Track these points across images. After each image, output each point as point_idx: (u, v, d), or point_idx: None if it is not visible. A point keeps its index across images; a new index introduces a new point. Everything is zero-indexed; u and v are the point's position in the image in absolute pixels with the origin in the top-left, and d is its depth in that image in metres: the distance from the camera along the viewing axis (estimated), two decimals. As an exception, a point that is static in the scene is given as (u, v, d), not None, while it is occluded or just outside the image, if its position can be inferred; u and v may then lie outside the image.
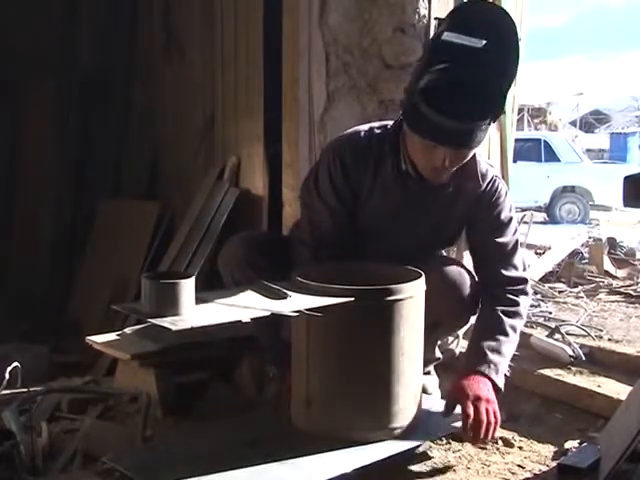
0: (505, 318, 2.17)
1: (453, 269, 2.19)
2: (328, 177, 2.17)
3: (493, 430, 2.04)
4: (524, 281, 2.24)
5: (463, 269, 2.23)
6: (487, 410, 2.03)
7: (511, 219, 2.23)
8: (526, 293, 2.24)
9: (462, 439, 2.15)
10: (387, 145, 2.15)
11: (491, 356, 2.11)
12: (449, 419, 2.09)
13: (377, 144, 2.16)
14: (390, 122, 2.22)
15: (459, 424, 2.04)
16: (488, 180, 2.19)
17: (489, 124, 1.99)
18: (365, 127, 2.23)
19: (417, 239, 2.23)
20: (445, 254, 2.43)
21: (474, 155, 2.11)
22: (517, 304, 2.20)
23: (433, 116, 1.93)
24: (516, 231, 2.26)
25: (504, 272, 2.20)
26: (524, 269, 2.27)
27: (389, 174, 2.15)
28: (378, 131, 2.20)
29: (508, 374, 2.21)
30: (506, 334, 2.16)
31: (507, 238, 2.21)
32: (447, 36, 1.96)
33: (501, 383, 2.12)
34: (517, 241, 2.25)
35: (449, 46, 1.96)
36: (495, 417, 2.04)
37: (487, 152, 3.68)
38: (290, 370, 2.07)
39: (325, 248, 2.17)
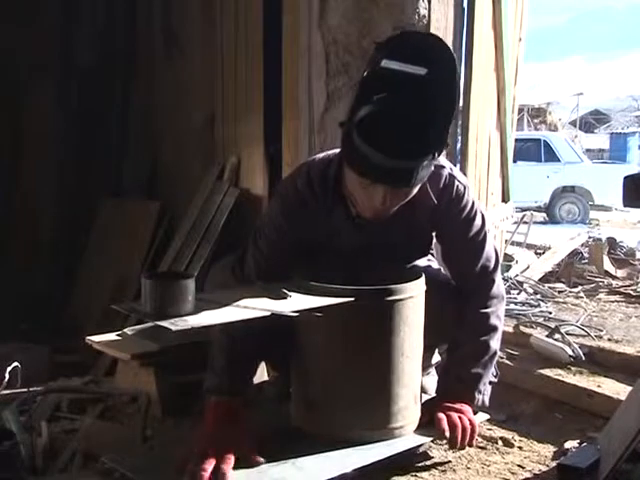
0: (478, 339, 2.14)
1: (434, 304, 2.09)
2: (276, 227, 2.09)
3: (470, 435, 2.05)
4: (492, 284, 2.18)
5: (444, 293, 2.16)
6: (461, 418, 2.05)
7: (474, 215, 2.13)
8: (496, 296, 2.19)
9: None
10: (332, 189, 2.03)
11: (466, 383, 2.13)
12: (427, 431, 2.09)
13: (321, 187, 2.04)
14: (334, 154, 2.06)
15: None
16: (442, 183, 2.07)
17: (433, 159, 1.85)
18: (308, 170, 2.08)
19: (389, 257, 2.16)
20: (426, 264, 2.34)
21: None
22: (487, 317, 2.15)
23: (369, 152, 1.76)
24: (483, 226, 2.15)
25: (473, 276, 2.16)
26: (495, 267, 2.19)
27: (340, 219, 2.07)
28: (320, 171, 2.05)
29: (494, 380, 2.21)
30: (479, 355, 2.14)
31: (473, 236, 2.14)
32: (386, 63, 1.78)
33: (480, 401, 2.14)
34: (485, 237, 2.16)
35: (389, 73, 1.78)
36: (471, 424, 2.06)
37: (487, 152, 3.69)
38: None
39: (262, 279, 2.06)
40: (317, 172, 2.07)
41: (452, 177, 2.10)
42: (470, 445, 2.08)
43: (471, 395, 2.13)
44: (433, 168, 1.94)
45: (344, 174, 1.95)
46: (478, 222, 2.15)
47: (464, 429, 2.04)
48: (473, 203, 2.14)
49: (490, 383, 2.18)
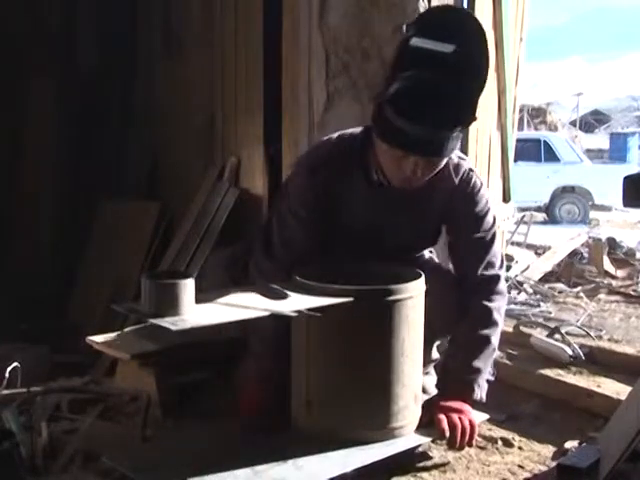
0: (479, 332, 2.16)
1: (437, 287, 2.13)
2: (299, 192, 2.14)
3: (470, 435, 2.06)
4: (497, 280, 2.21)
5: (447, 280, 2.20)
6: (461, 418, 2.06)
7: (487, 212, 2.19)
8: (500, 292, 2.22)
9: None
10: (356, 156, 2.10)
11: (465, 376, 2.14)
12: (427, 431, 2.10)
13: (346, 156, 2.12)
14: (359, 129, 2.17)
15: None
16: (461, 174, 2.15)
17: (461, 131, 1.93)
18: (334, 137, 2.19)
19: (397, 243, 2.21)
20: (429, 256, 2.40)
21: None
22: (490, 312, 2.17)
23: (402, 124, 1.87)
24: (493, 225, 2.21)
25: (479, 271, 2.18)
26: (500, 265, 2.23)
27: (361, 185, 2.12)
28: (347, 142, 2.15)
29: (491, 379, 2.21)
30: (480, 349, 2.15)
31: (482, 233, 2.18)
32: (415, 41, 1.88)
33: (479, 395, 2.15)
34: (494, 235, 2.21)
35: (418, 52, 1.87)
36: (471, 424, 2.07)
37: (488, 153, 3.69)
38: (246, 383, 2.06)
39: (296, 263, 2.12)
40: (346, 138, 2.16)
41: (472, 171, 2.18)
42: (470, 445, 2.09)
43: (470, 389, 2.14)
44: (456, 159, 2.08)
45: (375, 147, 2.03)
46: (490, 219, 2.20)
47: (464, 429, 2.05)
48: (487, 200, 2.20)
49: (487, 381, 2.19)
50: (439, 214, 2.21)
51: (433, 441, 2.14)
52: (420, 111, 1.85)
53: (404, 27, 1.97)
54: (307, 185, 2.13)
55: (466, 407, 2.11)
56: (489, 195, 2.24)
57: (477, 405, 2.16)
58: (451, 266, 2.29)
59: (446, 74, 1.84)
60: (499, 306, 2.21)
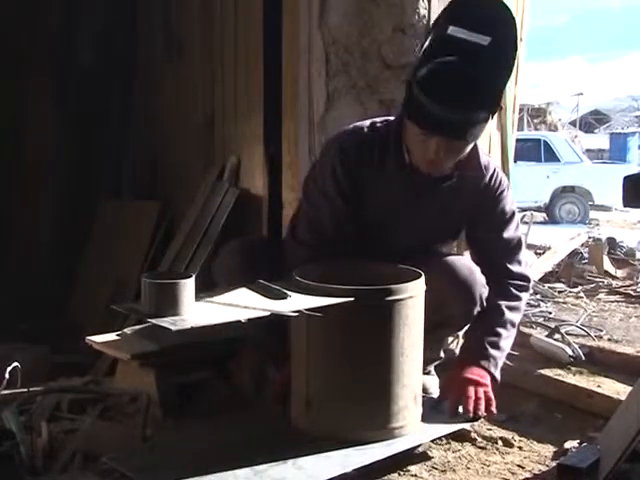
0: (507, 312, 2.20)
1: (464, 269, 2.17)
2: (330, 172, 2.16)
3: (486, 405, 2.10)
4: (527, 279, 2.27)
5: (472, 266, 2.21)
6: (476, 390, 2.10)
7: (514, 213, 2.24)
8: (527, 290, 2.28)
9: (462, 439, 2.18)
10: (390, 138, 2.14)
11: (491, 350, 2.17)
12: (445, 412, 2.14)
13: (380, 138, 2.15)
14: (392, 117, 2.22)
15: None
16: (491, 172, 2.18)
17: (486, 119, 1.97)
18: (367, 122, 2.22)
19: (419, 232, 2.22)
20: (447, 250, 2.42)
21: (475, 146, 2.10)
22: (519, 299, 2.23)
23: (427, 103, 1.92)
24: (518, 226, 2.26)
25: (510, 266, 2.22)
26: (526, 265, 2.30)
27: (392, 167, 2.14)
28: (380, 125, 2.19)
29: (504, 367, 2.26)
30: (506, 328, 2.20)
31: (511, 233, 2.22)
32: (453, 30, 1.94)
33: (498, 375, 2.18)
34: (520, 237, 2.26)
35: (453, 40, 1.94)
36: (486, 395, 2.11)
37: (488, 153, 3.68)
38: (287, 366, 2.08)
39: (324, 245, 2.15)
40: (381, 122, 2.21)
41: (500, 172, 2.23)
42: (489, 413, 2.13)
43: (495, 365, 2.18)
44: (485, 158, 2.14)
45: (404, 129, 2.07)
46: (516, 221, 2.25)
47: (477, 400, 2.09)
48: (513, 202, 2.25)
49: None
50: (465, 209, 2.22)
51: (433, 441, 2.14)
52: (445, 93, 1.91)
53: (442, 10, 2.06)
54: (337, 163, 2.15)
55: (485, 380, 2.14)
56: (513, 197, 2.28)
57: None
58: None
59: (476, 62, 1.90)
60: (526, 298, 2.29)
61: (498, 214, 2.21)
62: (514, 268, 2.23)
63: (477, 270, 2.19)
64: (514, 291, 2.22)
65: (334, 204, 2.16)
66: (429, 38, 2.03)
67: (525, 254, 2.29)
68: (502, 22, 1.99)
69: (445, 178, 2.13)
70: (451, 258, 2.24)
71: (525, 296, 2.27)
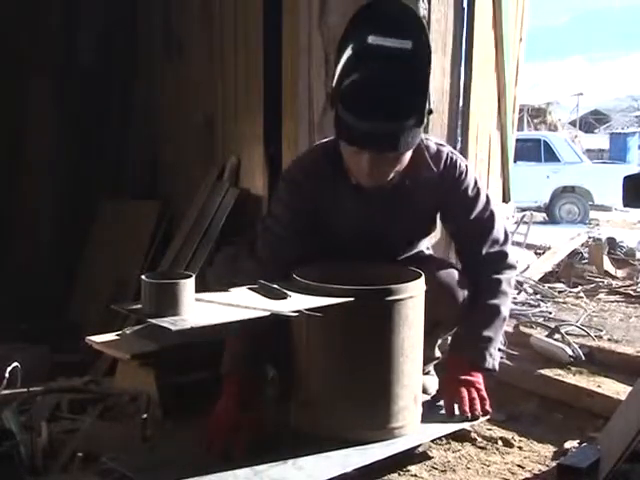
0: (489, 302, 2.17)
1: (443, 272, 2.16)
2: (286, 205, 2.13)
3: (480, 404, 2.09)
4: (505, 255, 2.21)
5: (450, 268, 2.21)
6: (469, 391, 2.10)
7: (478, 192, 2.18)
8: (508, 267, 2.22)
9: (462, 439, 2.18)
10: (334, 163, 2.08)
11: (479, 344, 2.16)
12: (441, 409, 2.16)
13: (325, 164, 2.10)
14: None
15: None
16: (443, 161, 2.13)
17: (418, 124, 1.90)
18: (313, 148, 2.20)
19: (392, 242, 2.21)
20: (426, 250, 2.41)
21: (419, 146, 2.04)
22: (499, 282, 2.18)
23: (351, 119, 1.86)
24: (488, 202, 2.19)
25: (484, 250, 2.18)
26: (505, 240, 2.22)
27: (345, 191, 2.10)
28: (324, 150, 2.14)
29: (503, 349, 2.26)
30: (490, 315, 2.17)
31: (479, 213, 2.17)
32: (373, 40, 1.87)
33: (491, 364, 2.16)
34: (492, 213, 2.19)
35: (376, 49, 1.87)
36: (479, 394, 2.11)
37: (488, 153, 3.69)
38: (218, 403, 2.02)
39: (280, 268, 2.09)
40: (323, 146, 2.17)
41: (453, 155, 2.16)
42: (484, 413, 2.11)
43: (482, 357, 2.15)
44: (434, 147, 2.09)
45: (340, 147, 2.02)
46: (483, 198, 2.19)
47: (472, 400, 2.09)
48: (476, 181, 2.20)
49: (499, 350, 2.22)
50: (431, 205, 2.20)
51: (433, 441, 2.14)
52: (366, 105, 1.84)
53: (349, 20, 1.94)
54: (293, 200, 2.12)
55: (476, 378, 2.13)
56: (476, 175, 2.23)
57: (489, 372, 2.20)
58: (454, 256, 2.31)
59: (399, 68, 1.84)
60: (508, 277, 2.21)
61: (461, 197, 2.16)
62: (490, 249, 2.18)
63: (456, 270, 2.20)
64: (493, 276, 2.18)
65: (292, 235, 2.12)
66: (346, 51, 1.92)
67: (501, 228, 2.21)
68: (416, 23, 1.94)
69: (397, 187, 2.08)
70: (433, 262, 2.23)
71: (507, 275, 2.20)
